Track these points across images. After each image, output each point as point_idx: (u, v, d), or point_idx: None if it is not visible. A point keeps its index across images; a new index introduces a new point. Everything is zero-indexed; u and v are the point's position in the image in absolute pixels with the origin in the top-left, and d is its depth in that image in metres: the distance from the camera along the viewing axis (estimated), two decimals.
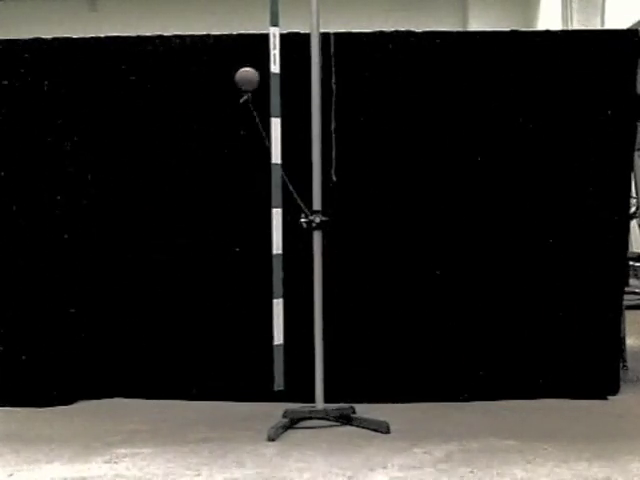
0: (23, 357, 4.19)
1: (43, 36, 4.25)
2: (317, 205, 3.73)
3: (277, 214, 3.72)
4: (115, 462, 3.25)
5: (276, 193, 3.72)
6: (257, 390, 4.00)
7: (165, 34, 4.22)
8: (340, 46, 4.08)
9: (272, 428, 3.55)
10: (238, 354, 4.16)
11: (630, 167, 4.25)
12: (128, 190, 4.20)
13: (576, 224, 4.15)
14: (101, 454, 3.35)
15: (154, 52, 4.17)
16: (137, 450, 3.39)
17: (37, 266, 4.21)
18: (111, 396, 4.20)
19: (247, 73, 3.67)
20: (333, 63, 4.06)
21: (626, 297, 4.45)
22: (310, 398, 3.73)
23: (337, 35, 4.11)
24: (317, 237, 3.72)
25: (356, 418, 3.70)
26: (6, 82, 4.19)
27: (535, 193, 4.15)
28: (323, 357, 3.72)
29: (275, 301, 3.71)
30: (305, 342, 3.75)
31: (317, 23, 3.75)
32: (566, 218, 4.15)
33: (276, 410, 3.73)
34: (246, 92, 3.67)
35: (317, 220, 3.71)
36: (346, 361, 4.08)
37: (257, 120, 3.68)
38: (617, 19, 10.10)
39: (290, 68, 3.81)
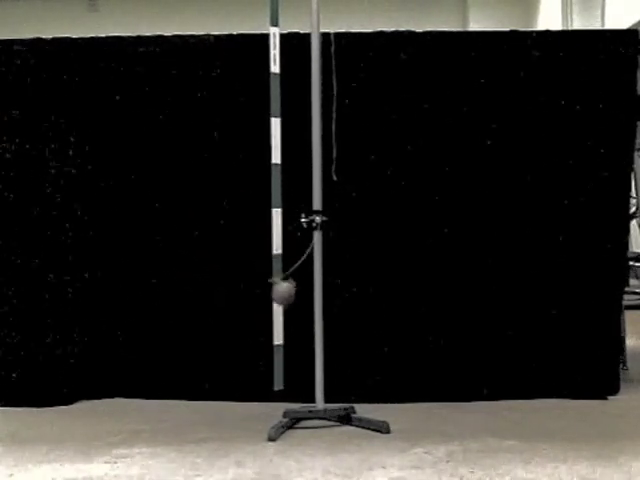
0: (23, 357, 4.20)
1: (43, 36, 4.25)
2: (317, 205, 3.73)
3: (277, 214, 3.72)
4: (115, 462, 3.25)
5: (276, 193, 3.72)
6: (257, 390, 4.01)
7: (165, 34, 4.22)
8: (341, 46, 4.08)
9: (272, 428, 3.55)
10: (238, 354, 4.16)
11: (630, 167, 4.25)
12: (125, 191, 4.20)
13: (576, 224, 4.15)
14: (101, 454, 3.35)
15: (154, 52, 4.17)
16: (137, 450, 3.39)
17: (35, 265, 4.21)
18: (111, 396, 4.20)
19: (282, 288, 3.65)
20: (334, 63, 4.05)
21: (626, 297, 4.45)
22: (310, 398, 3.73)
23: (337, 35, 4.11)
24: (317, 237, 3.72)
25: (356, 418, 3.69)
26: (5, 82, 4.20)
27: (534, 193, 4.14)
28: (323, 357, 3.72)
29: None
30: (305, 342, 3.75)
31: (317, 23, 3.75)
32: (565, 218, 4.15)
33: (276, 410, 3.73)
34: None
35: (317, 220, 3.71)
36: (346, 361, 4.08)
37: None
38: (617, 19, 10.10)
39: (291, 68, 3.81)
